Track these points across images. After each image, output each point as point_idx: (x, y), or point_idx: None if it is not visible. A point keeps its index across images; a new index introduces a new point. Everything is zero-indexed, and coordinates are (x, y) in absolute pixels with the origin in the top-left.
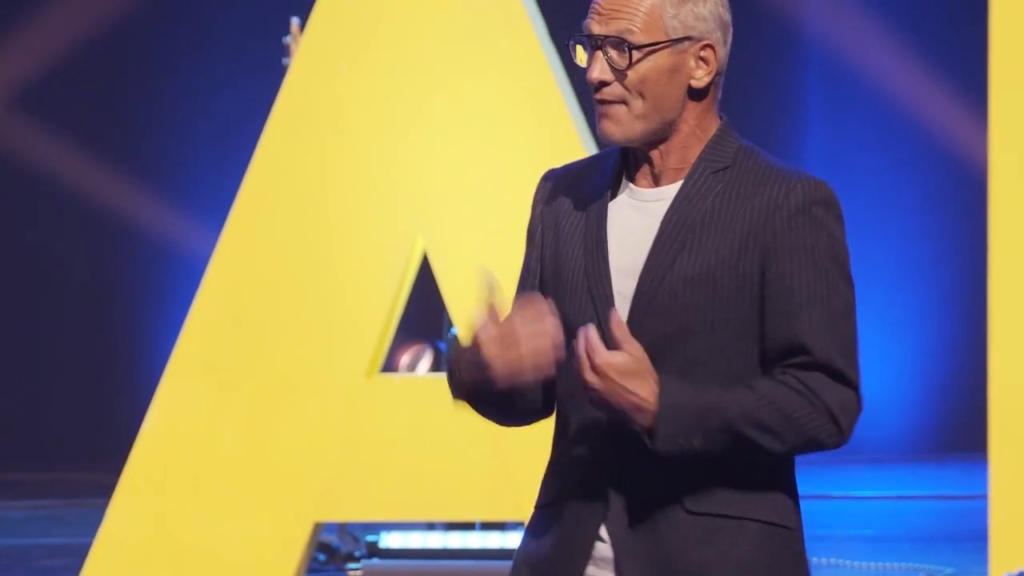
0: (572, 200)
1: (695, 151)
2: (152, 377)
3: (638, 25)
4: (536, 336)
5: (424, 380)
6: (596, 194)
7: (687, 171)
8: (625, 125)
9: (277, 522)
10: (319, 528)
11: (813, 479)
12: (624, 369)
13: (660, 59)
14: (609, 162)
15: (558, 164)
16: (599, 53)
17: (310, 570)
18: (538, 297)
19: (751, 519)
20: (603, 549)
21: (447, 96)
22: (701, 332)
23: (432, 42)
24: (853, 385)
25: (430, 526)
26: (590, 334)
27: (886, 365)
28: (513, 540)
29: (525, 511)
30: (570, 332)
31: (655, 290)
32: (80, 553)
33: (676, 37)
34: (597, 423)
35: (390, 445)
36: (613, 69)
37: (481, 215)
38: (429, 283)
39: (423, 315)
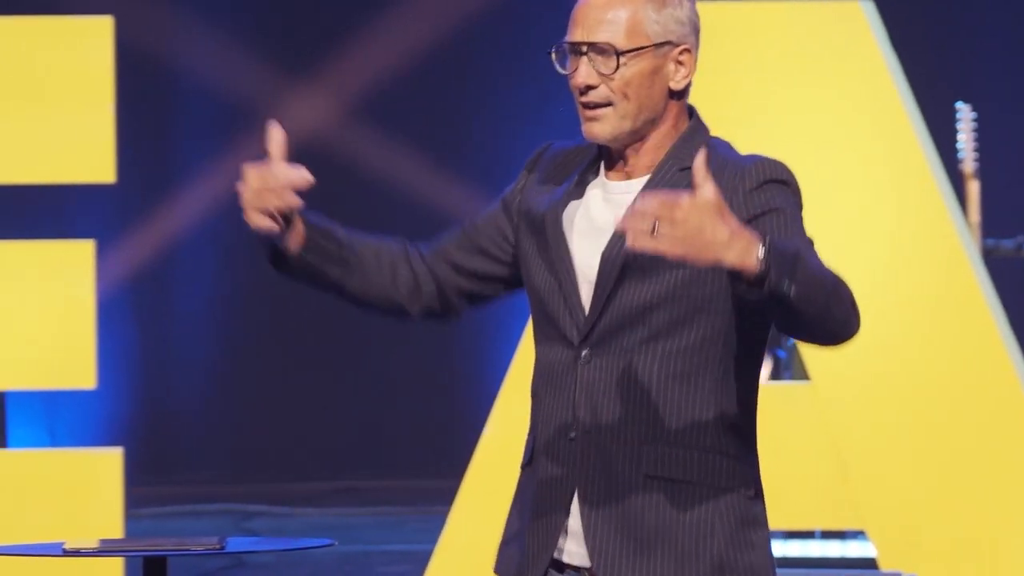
0: (553, 178)
1: (667, 148)
2: (493, 383)
3: (622, 33)
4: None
5: (763, 387)
6: (572, 178)
7: (655, 166)
8: (611, 125)
9: None
10: None
11: None
12: (712, 207)
13: (643, 63)
14: (590, 154)
15: (899, 172)
16: (584, 59)
17: None
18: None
19: (707, 484)
20: (573, 522)
21: (784, 102)
22: (664, 304)
23: (770, 50)
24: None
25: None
26: (659, 192)
27: None
28: (854, 549)
29: (865, 520)
30: (540, 305)
31: (621, 266)
32: (421, 560)
33: (658, 42)
34: (562, 389)
35: None
36: (599, 74)
37: (820, 222)
38: None
39: None
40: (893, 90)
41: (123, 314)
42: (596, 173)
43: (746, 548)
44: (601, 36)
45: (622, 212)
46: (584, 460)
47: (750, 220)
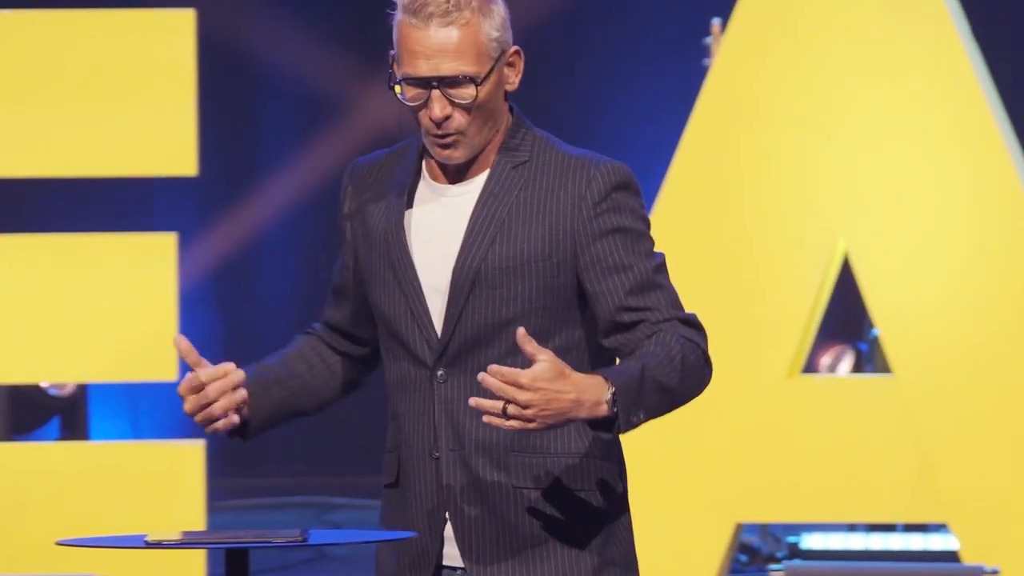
0: (376, 193)
1: (494, 145)
2: None
3: (471, 59)
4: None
5: (845, 380)
6: (398, 188)
7: (487, 165)
8: (467, 147)
9: (699, 522)
10: (741, 529)
11: None
12: (552, 374)
13: (493, 80)
14: (410, 155)
15: (982, 166)
16: (434, 92)
17: (732, 570)
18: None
19: (575, 488)
20: (449, 532)
21: (869, 96)
22: (519, 319)
23: (854, 42)
24: (699, 325)
25: (851, 527)
26: (497, 369)
27: None
28: (936, 542)
29: (948, 513)
30: (386, 324)
31: (472, 281)
32: None
33: (497, 56)
34: (421, 409)
35: (811, 446)
36: (454, 103)
37: (903, 216)
38: (849, 284)
39: (844, 316)
40: (975, 83)
41: (205, 307)
42: (420, 176)
43: (618, 544)
44: (451, 69)
45: (463, 216)
46: (452, 477)
47: (598, 237)
